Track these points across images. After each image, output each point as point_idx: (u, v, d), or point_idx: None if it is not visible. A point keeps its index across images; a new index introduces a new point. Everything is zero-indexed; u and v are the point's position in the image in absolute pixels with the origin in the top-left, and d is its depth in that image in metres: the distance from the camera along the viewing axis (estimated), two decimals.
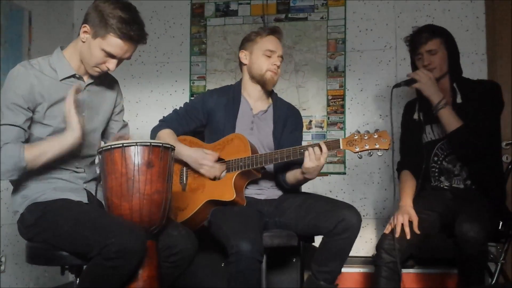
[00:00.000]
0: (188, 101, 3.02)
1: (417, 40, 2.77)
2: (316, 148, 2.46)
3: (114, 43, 2.16)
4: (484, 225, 2.42)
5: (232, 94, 2.81)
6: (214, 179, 2.65)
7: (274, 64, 2.73)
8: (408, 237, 2.51)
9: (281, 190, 2.79)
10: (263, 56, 2.73)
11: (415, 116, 2.86)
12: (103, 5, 2.15)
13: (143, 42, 2.22)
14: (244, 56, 2.80)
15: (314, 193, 2.78)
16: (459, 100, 2.74)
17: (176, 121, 2.80)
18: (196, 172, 2.69)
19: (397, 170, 2.91)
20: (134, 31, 2.15)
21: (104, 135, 2.48)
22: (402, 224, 2.53)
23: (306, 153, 2.46)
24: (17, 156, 2.08)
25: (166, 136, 2.73)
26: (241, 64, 2.84)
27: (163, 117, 2.86)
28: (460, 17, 3.81)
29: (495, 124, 2.75)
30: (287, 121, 2.82)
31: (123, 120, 2.55)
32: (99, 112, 2.38)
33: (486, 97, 2.69)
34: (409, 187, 2.77)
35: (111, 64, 2.22)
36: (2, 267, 3.42)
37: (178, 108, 2.87)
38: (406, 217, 2.55)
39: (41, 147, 2.14)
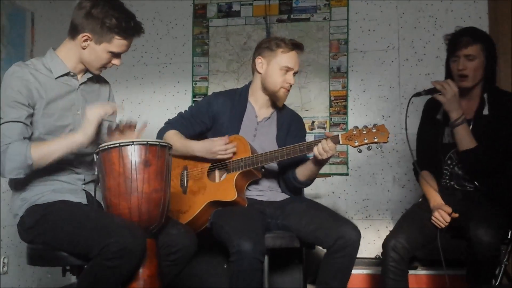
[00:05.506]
0: (193, 104, 3.01)
1: (457, 41, 2.65)
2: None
3: (121, 44, 2.23)
4: (498, 229, 2.42)
5: (239, 98, 2.78)
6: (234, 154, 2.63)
7: (288, 82, 2.67)
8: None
9: (289, 193, 2.78)
10: (279, 71, 2.66)
11: (439, 117, 2.78)
12: (94, 11, 2.16)
13: (143, 32, 2.28)
14: (260, 64, 2.71)
15: (318, 202, 2.74)
16: (485, 112, 2.67)
17: (181, 124, 2.78)
18: (198, 174, 2.69)
19: (414, 170, 2.88)
20: (133, 25, 2.22)
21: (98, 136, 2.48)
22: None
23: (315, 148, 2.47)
24: (23, 154, 2.07)
25: (173, 136, 2.72)
26: (254, 69, 2.76)
27: (169, 119, 2.84)
28: (463, 17, 3.79)
29: None
30: (290, 126, 2.81)
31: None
32: None
33: None
34: (434, 186, 2.73)
35: (118, 61, 2.29)
36: (5, 268, 3.42)
37: (183, 112, 2.85)
38: (445, 214, 2.55)
39: (49, 146, 2.13)
